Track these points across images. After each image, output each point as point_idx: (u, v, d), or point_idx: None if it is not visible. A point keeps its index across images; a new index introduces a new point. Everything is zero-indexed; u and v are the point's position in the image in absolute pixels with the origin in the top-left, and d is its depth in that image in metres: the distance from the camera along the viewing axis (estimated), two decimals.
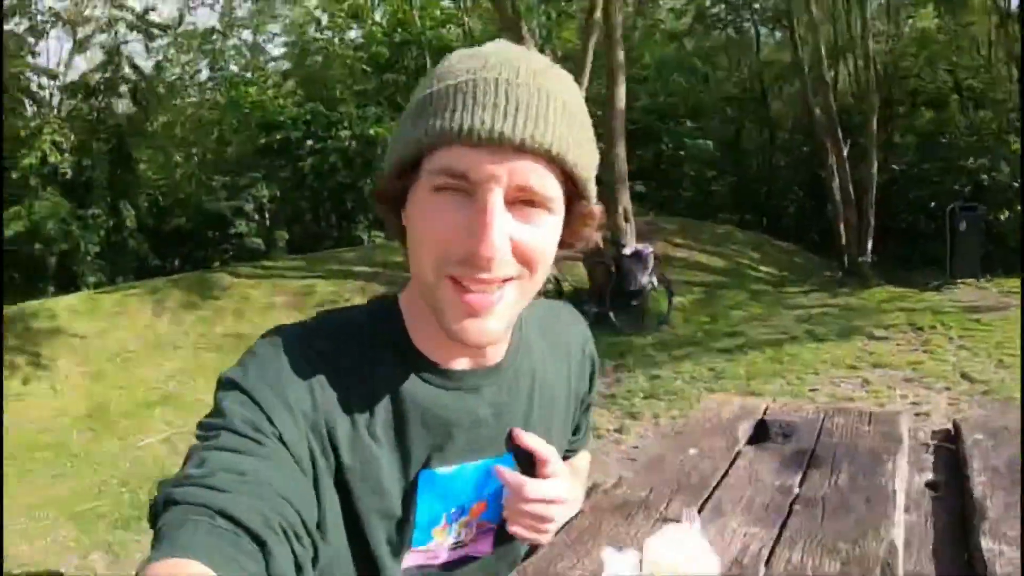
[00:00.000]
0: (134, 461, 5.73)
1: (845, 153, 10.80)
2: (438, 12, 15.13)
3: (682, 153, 14.16)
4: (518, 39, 8.35)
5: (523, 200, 0.74)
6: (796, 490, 1.31)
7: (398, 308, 0.90)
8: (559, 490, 0.96)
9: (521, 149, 0.71)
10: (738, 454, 1.55)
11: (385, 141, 12.84)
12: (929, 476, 1.46)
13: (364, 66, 14.04)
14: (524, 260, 0.76)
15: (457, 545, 0.95)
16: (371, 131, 12.78)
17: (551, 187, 0.75)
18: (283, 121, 13.44)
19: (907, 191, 12.20)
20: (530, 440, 0.93)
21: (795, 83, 13.63)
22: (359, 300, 5.87)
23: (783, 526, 1.17)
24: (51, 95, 14.23)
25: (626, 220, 8.28)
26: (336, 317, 0.91)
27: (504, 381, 0.93)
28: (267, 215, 14.27)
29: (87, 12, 13.56)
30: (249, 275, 9.37)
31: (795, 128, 15.08)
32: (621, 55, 8.35)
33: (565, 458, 1.08)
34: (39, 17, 12.98)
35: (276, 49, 16.69)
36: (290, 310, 8.19)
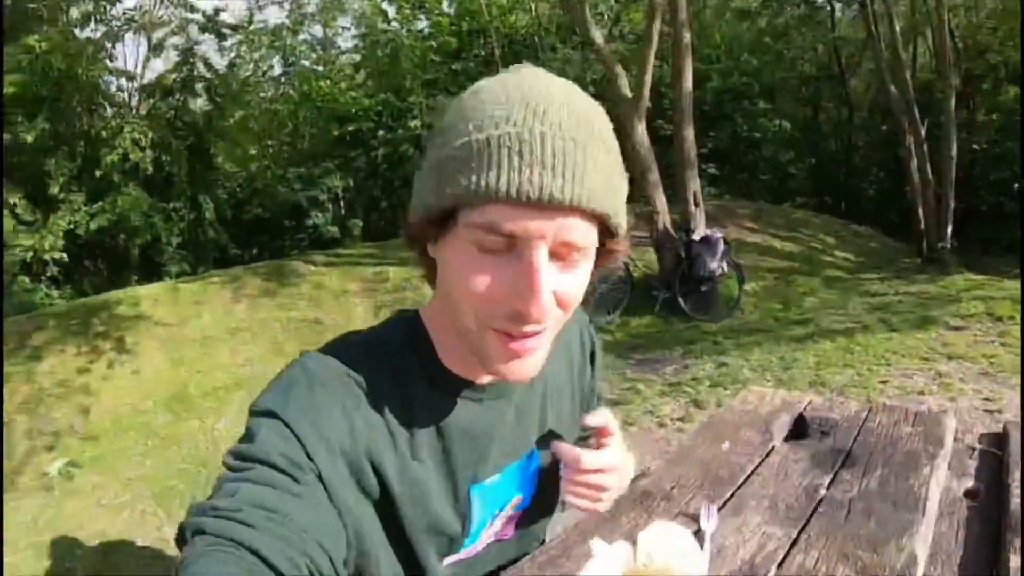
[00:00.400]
0: (212, 442, 5.95)
1: (923, 133, 10.38)
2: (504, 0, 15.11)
3: (757, 135, 13.82)
4: (582, 23, 8.29)
5: (565, 253, 0.75)
6: (823, 491, 1.29)
7: (423, 327, 0.92)
8: (613, 458, 1.01)
9: (567, 208, 0.71)
10: (771, 450, 1.53)
11: None
12: (970, 483, 1.40)
13: (433, 56, 14.12)
14: (563, 306, 0.78)
15: (492, 539, 1.01)
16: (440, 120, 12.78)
17: (591, 238, 0.76)
18: (355, 112, 13.64)
19: (989, 172, 11.66)
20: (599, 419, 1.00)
21: (872, 61, 13.13)
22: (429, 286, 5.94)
23: (803, 528, 1.16)
24: (129, 96, 14.78)
25: (695, 205, 8.14)
26: (365, 342, 0.91)
27: (522, 389, 0.98)
28: (341, 204, 14.56)
29: (160, 16, 14.03)
30: (324, 263, 9.57)
31: (874, 107, 14.57)
32: (688, 35, 8.18)
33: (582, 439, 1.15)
34: (114, 23, 13.45)
35: (346, 42, 16.91)
36: (364, 296, 8.33)
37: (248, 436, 0.78)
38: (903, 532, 1.17)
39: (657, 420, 5.17)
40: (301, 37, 16.27)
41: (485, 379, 0.92)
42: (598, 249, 0.80)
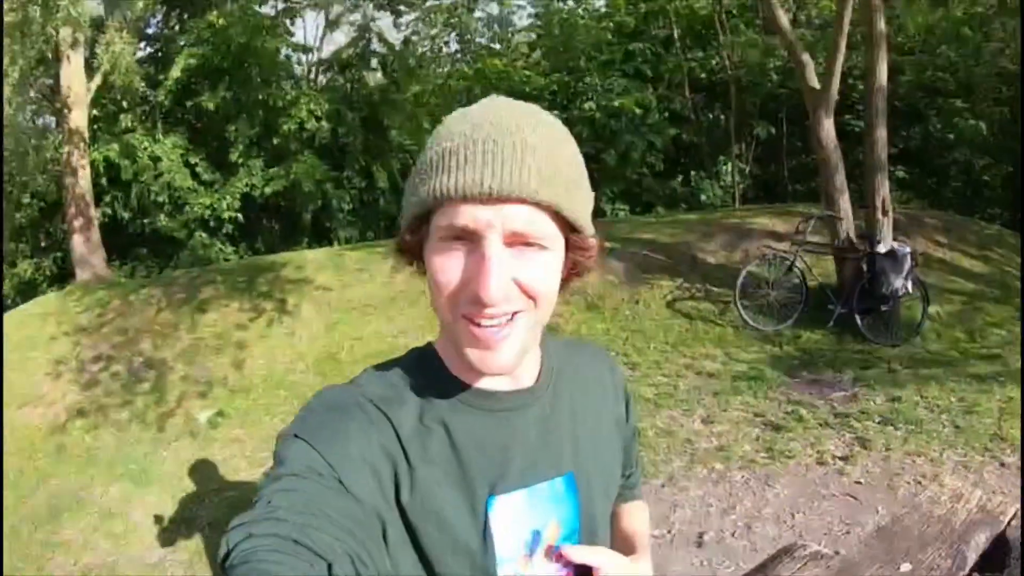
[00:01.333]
0: None
1: None
2: None
3: (951, 136, 12.53)
4: (768, 5, 7.70)
5: (521, 242, 0.82)
6: None
7: (435, 350, 0.98)
8: None
9: (509, 199, 0.79)
10: None
11: (631, 113, 12.59)
12: None
13: (609, 36, 13.79)
14: (528, 294, 0.84)
15: None
16: (616, 102, 12.50)
17: (541, 227, 0.82)
18: (529, 91, 13.56)
19: None
20: (584, 555, 0.93)
21: None
22: (595, 275, 5.73)
23: None
24: (308, 69, 15.53)
25: (883, 213, 7.33)
26: (380, 367, 0.98)
27: (544, 400, 0.98)
28: None
29: None
30: None
31: None
32: (882, 23, 7.32)
33: (619, 497, 1.16)
34: (292, 0, 14.12)
35: (521, 20, 16.91)
36: None
37: (275, 461, 0.85)
38: None
39: (817, 456, 4.73)
40: (476, 14, 16.39)
41: (498, 388, 0.95)
42: (568, 248, 0.88)
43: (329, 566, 0.72)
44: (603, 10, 14.62)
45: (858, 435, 4.93)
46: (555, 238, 0.84)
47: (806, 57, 7.50)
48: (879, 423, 5.09)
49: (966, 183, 12.81)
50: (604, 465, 1.05)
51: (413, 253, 0.90)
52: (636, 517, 1.24)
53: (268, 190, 12.79)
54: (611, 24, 13.88)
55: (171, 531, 4.75)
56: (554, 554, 0.95)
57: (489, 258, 0.80)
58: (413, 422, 0.90)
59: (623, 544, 1.18)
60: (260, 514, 0.76)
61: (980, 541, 1.39)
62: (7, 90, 8.37)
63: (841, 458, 4.64)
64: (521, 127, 0.83)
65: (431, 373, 0.95)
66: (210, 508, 4.97)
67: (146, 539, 4.72)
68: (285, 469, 0.82)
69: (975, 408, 5.26)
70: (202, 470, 5.49)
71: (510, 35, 16.47)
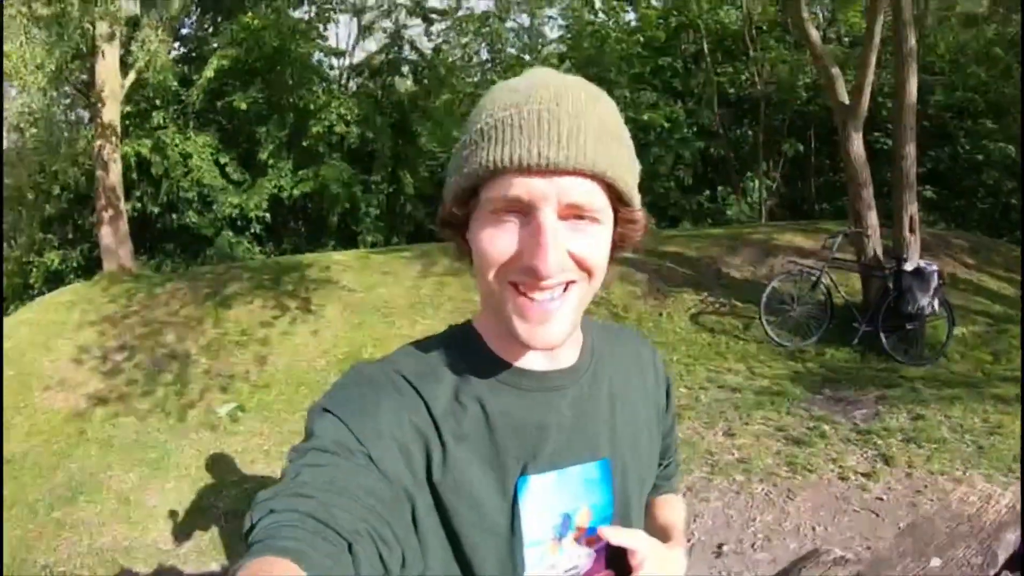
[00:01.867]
0: None
1: None
2: None
3: (980, 157, 12.42)
4: (798, 21, 7.69)
5: (574, 215, 0.82)
6: None
7: (473, 328, 0.97)
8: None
9: (565, 170, 0.78)
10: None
11: (659, 126, 12.58)
12: None
13: (640, 49, 13.82)
14: (581, 267, 0.84)
15: (572, 570, 0.94)
16: (645, 116, 12.52)
17: (596, 200, 0.82)
18: None
19: None
20: (621, 536, 0.92)
21: None
22: (621, 286, 5.72)
23: None
24: (339, 74, 15.68)
25: (911, 231, 7.28)
26: (416, 344, 0.97)
27: (584, 382, 0.97)
28: None
29: (370, 0, 14.69)
30: None
31: None
32: (913, 40, 7.27)
33: (656, 488, 1.15)
34: (325, 5, 14.39)
35: (552, 32, 17.01)
36: None
37: (305, 434, 0.85)
38: None
39: (839, 471, 4.66)
40: (508, 24, 16.48)
41: (537, 367, 0.93)
42: (616, 221, 0.87)
43: (350, 545, 0.72)
44: (633, 24, 14.67)
45: (881, 452, 4.86)
46: (607, 211, 0.84)
47: (836, 72, 7.47)
48: (902, 441, 5.02)
49: (994, 205, 12.67)
50: (641, 454, 1.04)
51: (457, 228, 0.89)
52: (672, 509, 1.22)
53: (296, 192, 12.91)
54: (641, 38, 13.91)
55: (187, 520, 4.78)
56: (585, 538, 0.93)
57: (544, 229, 0.79)
58: (447, 399, 0.89)
59: (658, 535, 1.14)
60: (285, 489, 0.76)
61: (1010, 540, 1.37)
62: (43, 81, 8.50)
63: (863, 474, 4.58)
64: (574, 97, 0.82)
65: (469, 350, 0.93)
66: (227, 499, 4.99)
67: (162, 526, 4.75)
68: (313, 443, 0.81)
69: (999, 429, 5.18)
70: (220, 462, 5.52)
71: (540, 46, 16.53)
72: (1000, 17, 13.37)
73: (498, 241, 0.82)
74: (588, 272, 0.84)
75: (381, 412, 0.85)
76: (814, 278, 7.21)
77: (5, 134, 11.37)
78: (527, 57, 16.10)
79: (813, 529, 4.05)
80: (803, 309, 7.22)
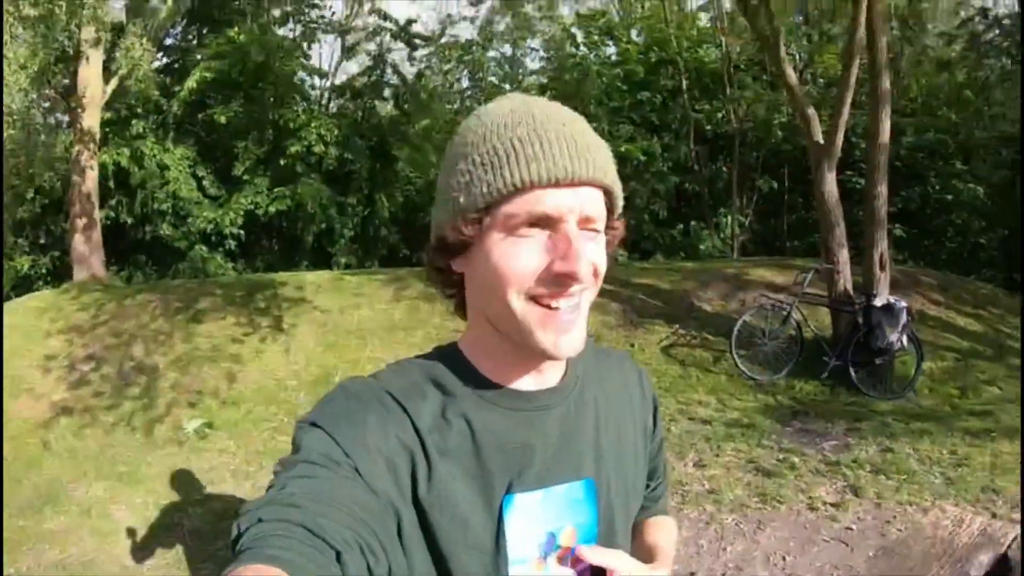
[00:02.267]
0: None
1: None
2: (695, 32, 14.80)
3: (949, 197, 12.74)
4: (776, 62, 7.87)
5: (586, 226, 0.86)
6: None
7: (459, 349, 0.97)
8: None
9: (585, 182, 0.84)
10: None
11: (636, 160, 12.72)
12: None
13: (619, 83, 14.02)
14: (596, 275, 0.88)
15: None
16: (622, 149, 12.66)
17: (602, 210, 0.88)
18: None
19: None
20: (601, 557, 0.90)
21: None
22: (593, 316, 5.65)
23: None
24: (321, 94, 15.72)
25: (881, 268, 7.43)
26: (403, 363, 0.97)
27: (570, 401, 0.97)
28: None
29: (355, 22, 14.79)
30: None
31: None
32: (887, 82, 7.51)
33: (644, 509, 1.15)
34: (311, 24, 14.45)
35: (534, 63, 17.23)
36: None
37: (293, 447, 0.85)
38: None
39: (809, 502, 4.69)
40: (490, 54, 16.67)
41: (524, 387, 0.94)
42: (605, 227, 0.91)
43: (338, 554, 0.72)
44: (614, 58, 14.86)
45: (850, 483, 4.90)
46: (604, 220, 0.89)
47: (812, 112, 7.65)
48: (871, 472, 5.08)
49: (962, 244, 12.97)
50: (626, 476, 1.04)
51: (452, 254, 0.90)
52: (660, 530, 1.21)
53: (272, 209, 12.84)
54: (621, 72, 14.11)
55: (151, 538, 4.69)
56: (569, 559, 0.93)
57: (575, 238, 0.83)
58: (433, 415, 0.89)
59: (644, 557, 1.14)
60: (272, 499, 0.76)
61: (983, 561, 1.40)
62: (25, 82, 8.42)
63: (833, 504, 4.61)
64: (570, 116, 0.88)
65: (456, 370, 0.94)
66: (193, 518, 4.91)
67: (126, 541, 4.66)
68: (301, 456, 0.82)
69: (967, 461, 5.27)
70: (187, 479, 5.43)
71: (521, 77, 16.72)
72: (971, 62, 13.82)
73: (524, 256, 0.84)
74: (596, 277, 0.88)
75: (368, 426, 0.85)
76: (785, 312, 7.30)
77: None
78: (507, 87, 16.24)
79: (783, 559, 4.06)
80: (773, 343, 7.30)
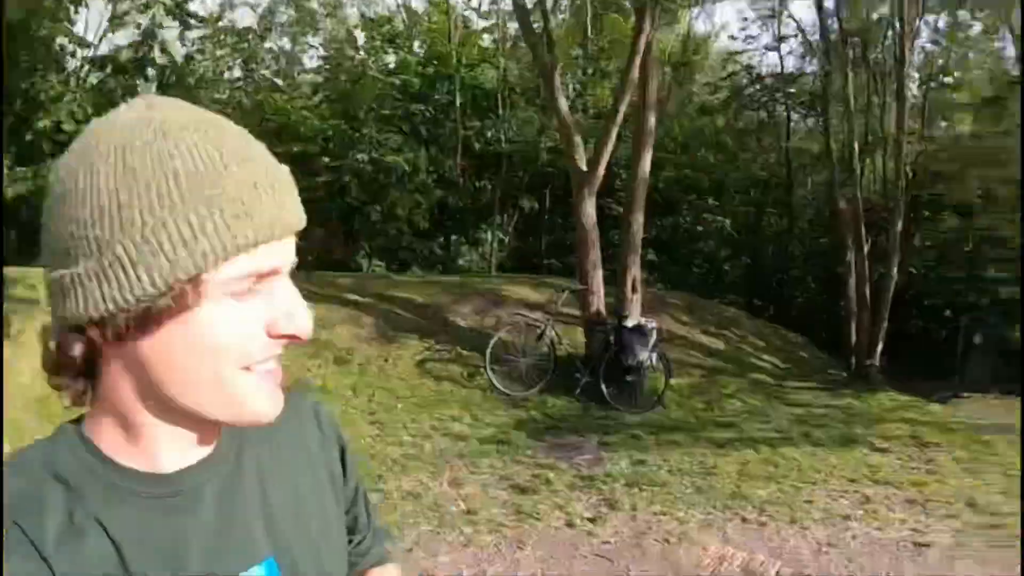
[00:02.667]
0: None
1: (866, 251, 10.48)
2: (475, 51, 15.01)
3: (700, 228, 13.92)
4: (551, 89, 8.16)
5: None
6: None
7: (81, 433, 0.76)
8: None
9: (296, 231, 0.72)
10: None
11: (401, 170, 12.58)
12: None
13: (395, 93, 13.90)
14: None
15: None
16: (388, 158, 12.55)
17: None
18: (303, 132, 13.26)
19: (923, 297, 11.90)
20: None
21: (821, 173, 13.44)
22: (347, 328, 5.49)
23: None
24: (81, 66, 14.17)
25: (633, 291, 7.95)
26: (28, 451, 0.75)
27: (223, 472, 0.80)
28: None
29: None
30: None
31: (816, 220, 14.96)
32: (652, 121, 8.14)
33: (353, 566, 0.98)
34: None
35: (311, 61, 16.71)
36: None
37: None
38: None
39: (566, 517, 4.75)
40: (267, 45, 15.94)
41: (165, 467, 0.75)
42: None
43: None
44: (393, 66, 14.75)
45: (605, 497, 5.05)
46: None
47: (578, 140, 8.02)
48: (625, 485, 5.27)
49: (708, 271, 14.27)
50: (314, 541, 0.87)
51: (114, 338, 0.68)
52: None
53: (11, 192, 11.27)
54: (397, 81, 14.01)
55: None
56: None
57: (296, 290, 0.73)
58: (59, 525, 0.69)
59: None
60: None
61: None
62: None
63: (590, 519, 4.70)
64: (258, 144, 0.74)
65: (77, 455, 0.74)
66: None
67: None
68: None
69: (714, 470, 5.66)
70: None
71: (296, 73, 16.17)
72: (731, 111, 15.40)
73: (246, 323, 0.70)
74: None
75: None
76: (540, 330, 7.52)
77: None
78: (280, 82, 15.62)
79: None
80: (528, 360, 7.47)
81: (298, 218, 0.72)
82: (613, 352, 7.38)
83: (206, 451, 0.79)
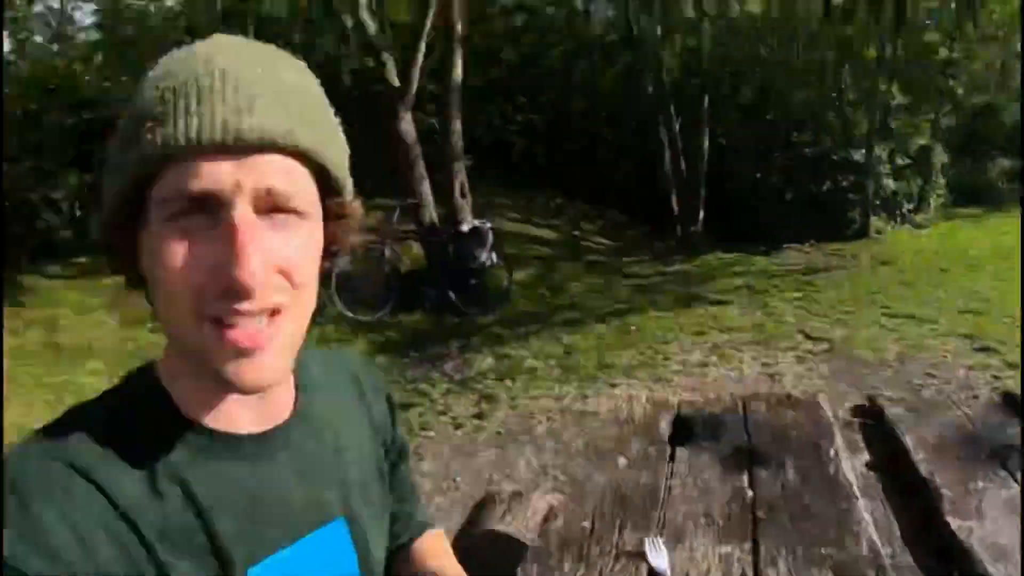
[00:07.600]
0: None
1: (677, 128, 11.22)
2: None
3: (512, 128, 14.19)
4: (354, 11, 7.98)
5: (274, 208, 0.62)
6: (749, 493, 1.24)
7: (157, 380, 0.72)
8: None
9: (263, 147, 0.61)
10: (671, 458, 1.48)
11: None
12: (865, 457, 1.45)
13: (185, 36, 12.96)
14: (289, 277, 0.64)
15: None
16: None
17: (302, 187, 0.64)
18: (92, 97, 12.20)
19: (734, 163, 12.81)
20: None
21: (627, 56, 13.86)
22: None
23: (755, 540, 1.09)
24: None
25: (463, 196, 8.12)
26: (86, 411, 0.70)
27: (302, 439, 0.78)
28: (76, 206, 12.91)
29: None
30: (60, 275, 8.32)
31: (626, 102, 15.48)
32: (460, 25, 8.16)
33: (396, 537, 0.97)
34: None
35: (85, 17, 15.15)
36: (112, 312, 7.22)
37: None
38: (851, 521, 1.16)
39: (452, 421, 5.05)
40: (36, 9, 14.30)
41: (246, 429, 0.73)
42: (325, 217, 0.70)
43: None
44: (177, 8, 13.72)
45: (482, 394, 5.40)
46: (314, 204, 0.67)
47: (386, 56, 7.90)
48: (496, 379, 5.64)
49: (530, 167, 14.65)
50: (375, 504, 0.87)
51: (123, 252, 0.67)
52: (439, 550, 1.04)
53: None
54: (184, 23, 13.12)
55: None
56: None
57: (241, 229, 0.60)
58: (140, 487, 0.66)
59: None
60: None
61: (666, 424, 1.68)
62: None
63: (476, 416, 5.04)
64: (269, 59, 0.66)
65: (156, 415, 0.70)
66: None
67: None
68: None
69: (575, 348, 6.13)
70: None
71: (72, 34, 14.71)
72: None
73: (180, 257, 0.61)
74: (295, 283, 0.66)
75: (60, 537, 0.61)
76: (378, 253, 7.60)
77: None
78: (55, 47, 14.17)
79: (455, 481, 4.26)
80: (372, 283, 7.55)
81: (253, 129, 0.60)
82: (454, 259, 7.59)
83: (283, 411, 0.77)
